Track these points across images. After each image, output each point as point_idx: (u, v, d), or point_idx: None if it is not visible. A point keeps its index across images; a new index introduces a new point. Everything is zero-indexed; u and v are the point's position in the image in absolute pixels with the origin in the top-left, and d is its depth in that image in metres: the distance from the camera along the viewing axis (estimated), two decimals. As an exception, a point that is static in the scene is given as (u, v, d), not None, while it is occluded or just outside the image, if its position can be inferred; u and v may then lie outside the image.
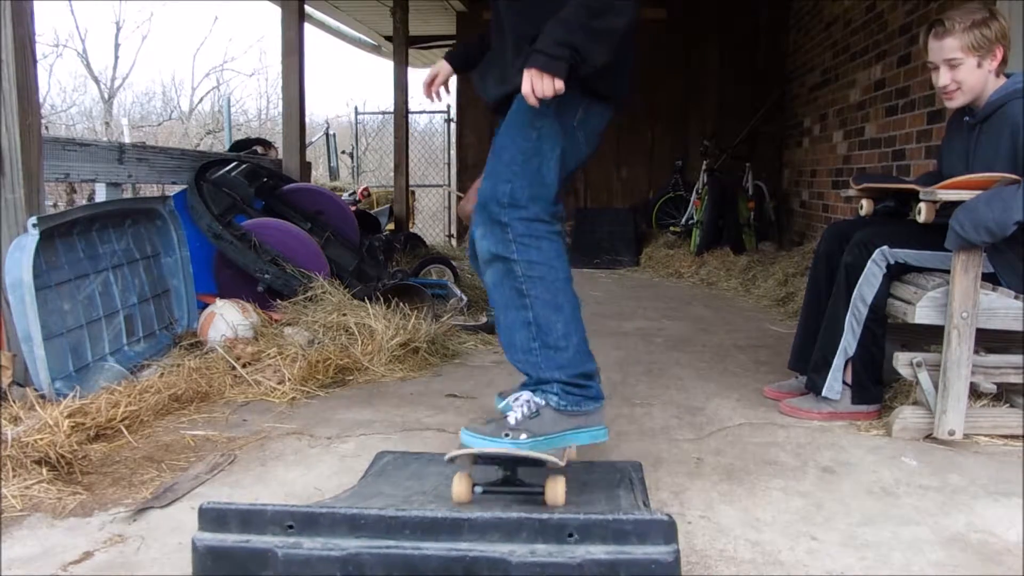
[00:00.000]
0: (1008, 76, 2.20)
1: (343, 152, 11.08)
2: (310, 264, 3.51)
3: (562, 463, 1.56)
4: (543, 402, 1.64)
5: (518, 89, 1.63)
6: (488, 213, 1.66)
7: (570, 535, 1.13)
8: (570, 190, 7.77)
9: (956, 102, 2.23)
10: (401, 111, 6.65)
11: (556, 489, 1.53)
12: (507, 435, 1.57)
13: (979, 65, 2.16)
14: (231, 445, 2.07)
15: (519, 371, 1.71)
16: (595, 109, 1.80)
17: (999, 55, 2.17)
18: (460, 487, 1.55)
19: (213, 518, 1.18)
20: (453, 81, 2.38)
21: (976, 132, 2.25)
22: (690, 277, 5.61)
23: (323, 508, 1.21)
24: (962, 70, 2.17)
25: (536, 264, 1.64)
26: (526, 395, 1.65)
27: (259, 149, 5.21)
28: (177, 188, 3.87)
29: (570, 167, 1.82)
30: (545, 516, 1.14)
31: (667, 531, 1.12)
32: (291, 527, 1.16)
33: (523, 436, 1.57)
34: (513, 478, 1.59)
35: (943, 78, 2.20)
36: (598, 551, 1.11)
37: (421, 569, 1.13)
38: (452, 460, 1.57)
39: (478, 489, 1.55)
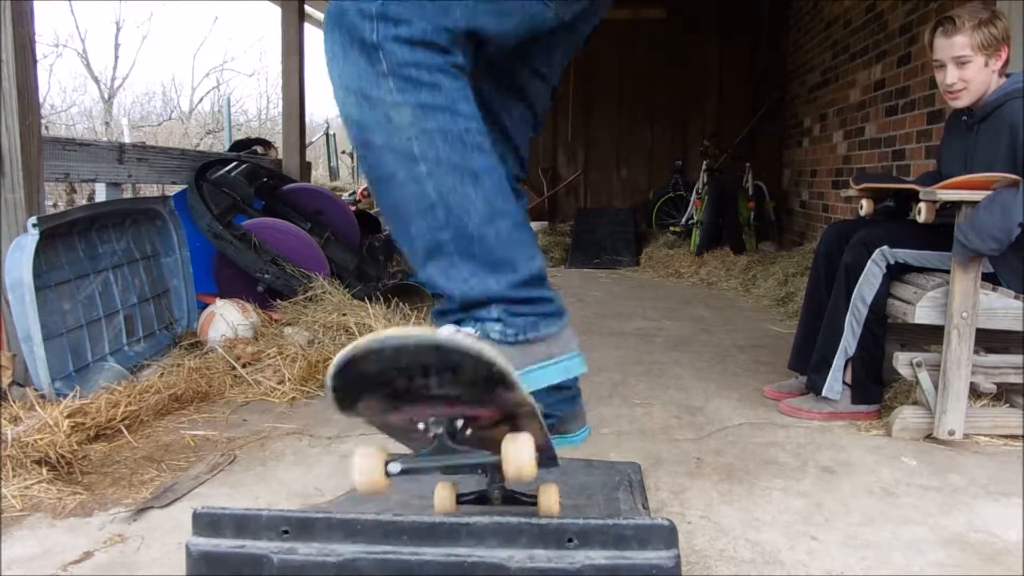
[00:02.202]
0: (1008, 76, 2.20)
1: (343, 152, 11.09)
2: (310, 264, 3.51)
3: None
4: (477, 334, 1.11)
5: None
6: (344, 26, 1.06)
7: (569, 540, 1.11)
8: (568, 185, 7.77)
9: (961, 102, 2.23)
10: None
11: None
12: None
13: (986, 64, 2.16)
14: (231, 445, 2.07)
15: (435, 292, 1.17)
16: None
17: (1004, 55, 2.17)
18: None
19: (207, 523, 1.17)
20: None
21: (975, 132, 2.25)
22: (690, 277, 5.60)
23: (318, 513, 1.20)
24: (970, 68, 2.16)
25: (432, 111, 1.07)
26: (449, 330, 1.11)
27: (259, 149, 5.22)
28: (177, 188, 3.87)
29: None
30: (544, 521, 1.14)
31: (668, 536, 1.11)
32: (286, 532, 1.15)
33: None
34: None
35: (950, 76, 2.19)
36: (598, 556, 1.10)
37: (418, 574, 1.13)
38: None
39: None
